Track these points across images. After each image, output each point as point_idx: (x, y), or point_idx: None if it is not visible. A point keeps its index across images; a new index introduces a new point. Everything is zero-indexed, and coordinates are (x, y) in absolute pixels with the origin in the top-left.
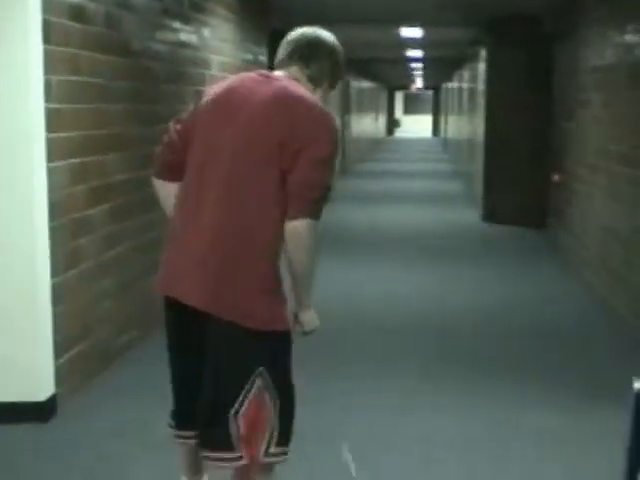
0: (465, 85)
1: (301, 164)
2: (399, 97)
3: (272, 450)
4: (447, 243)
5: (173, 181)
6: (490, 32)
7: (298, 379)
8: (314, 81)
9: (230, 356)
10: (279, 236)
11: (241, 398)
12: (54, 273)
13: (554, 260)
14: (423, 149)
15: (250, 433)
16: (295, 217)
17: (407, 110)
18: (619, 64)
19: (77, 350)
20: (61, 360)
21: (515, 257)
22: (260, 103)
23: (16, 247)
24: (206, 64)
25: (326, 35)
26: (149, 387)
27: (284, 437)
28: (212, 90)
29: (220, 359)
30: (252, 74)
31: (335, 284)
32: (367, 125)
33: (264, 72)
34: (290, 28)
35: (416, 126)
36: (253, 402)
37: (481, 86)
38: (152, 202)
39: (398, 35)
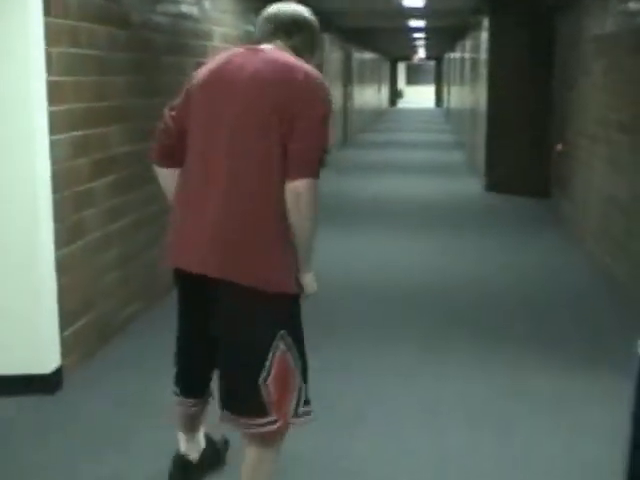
0: (467, 55)
1: (298, 127)
2: (401, 68)
3: (301, 409)
4: (450, 213)
5: (173, 167)
6: (492, 0)
7: None
8: (298, 52)
9: (251, 323)
10: (284, 200)
11: (268, 363)
12: (57, 246)
13: (557, 229)
14: (426, 119)
15: (281, 396)
16: (295, 177)
17: (410, 81)
18: (620, 32)
19: (82, 323)
20: (66, 333)
21: (518, 227)
22: (251, 75)
23: (19, 220)
24: (208, 36)
25: (303, 10)
26: (153, 359)
27: (307, 396)
28: (201, 72)
29: (241, 328)
30: (239, 49)
31: (336, 254)
32: (370, 96)
33: (251, 46)
34: None
35: (419, 97)
36: (279, 365)
37: (483, 56)
38: (155, 175)
39: (400, 4)
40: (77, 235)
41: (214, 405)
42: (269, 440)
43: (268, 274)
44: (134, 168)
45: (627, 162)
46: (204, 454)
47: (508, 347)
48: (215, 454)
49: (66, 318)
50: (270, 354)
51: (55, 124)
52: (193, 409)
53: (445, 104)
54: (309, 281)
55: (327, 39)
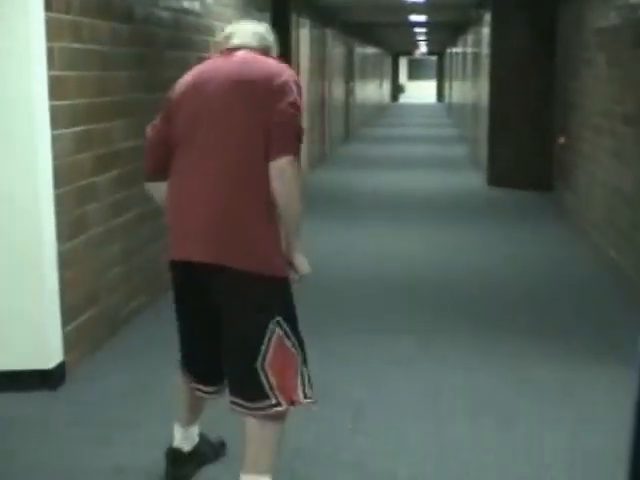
0: (469, 49)
1: (276, 111)
2: (403, 63)
3: (308, 392)
4: (452, 206)
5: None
6: None
7: None
8: (265, 54)
9: (245, 308)
10: (269, 187)
11: (263, 348)
12: (60, 241)
13: (561, 222)
14: (427, 114)
15: (281, 380)
16: (278, 156)
17: (411, 76)
18: (623, 24)
19: (85, 317)
20: (69, 328)
21: (520, 220)
22: (229, 72)
23: (21, 215)
24: (209, 31)
25: (263, 24)
26: (157, 354)
27: (310, 380)
28: (183, 81)
29: (236, 313)
30: (214, 57)
31: (337, 247)
32: (371, 91)
33: (225, 52)
34: None
35: (420, 92)
36: (277, 350)
37: (485, 50)
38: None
39: None
40: (80, 230)
41: (213, 406)
42: (271, 421)
43: (261, 258)
44: (137, 163)
45: (632, 154)
46: (197, 448)
47: (511, 339)
48: (211, 450)
49: (69, 313)
50: (266, 338)
51: (57, 119)
52: (197, 393)
53: (447, 99)
54: (301, 262)
55: (330, 34)
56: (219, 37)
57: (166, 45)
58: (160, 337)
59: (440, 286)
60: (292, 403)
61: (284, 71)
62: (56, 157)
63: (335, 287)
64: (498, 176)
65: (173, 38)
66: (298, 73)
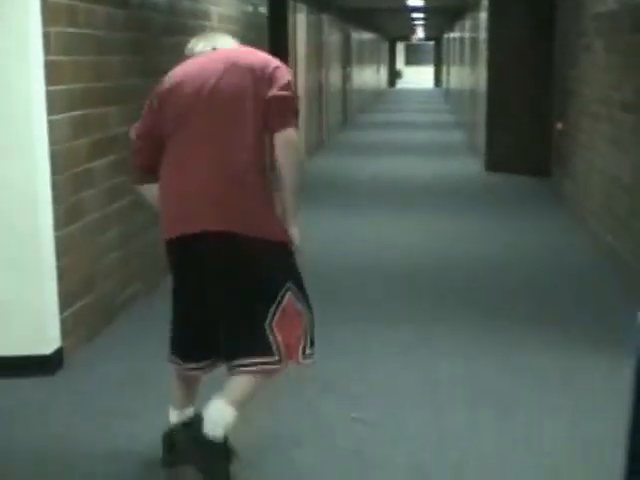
0: (467, 35)
1: (275, 86)
2: (400, 48)
3: (307, 351)
4: (450, 193)
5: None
6: None
7: None
8: None
9: (257, 272)
10: (264, 155)
11: (273, 309)
12: (57, 226)
13: (558, 208)
14: (425, 100)
15: (287, 339)
16: (282, 128)
17: (409, 61)
18: (621, 9)
19: (82, 303)
20: (66, 313)
21: (518, 206)
22: (215, 66)
23: (18, 202)
24: (206, 15)
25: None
26: (154, 340)
27: (313, 340)
28: (168, 80)
29: (247, 279)
30: (196, 57)
31: (336, 234)
32: (369, 77)
33: (209, 51)
34: None
35: (418, 77)
36: (286, 310)
37: (483, 35)
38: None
39: None
40: (76, 216)
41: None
42: (266, 377)
43: (267, 224)
44: None
45: (630, 142)
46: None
47: (509, 326)
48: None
49: (66, 299)
50: (277, 300)
51: (54, 104)
52: (191, 373)
53: (444, 84)
54: (297, 234)
55: (326, 20)
56: (196, 47)
57: (162, 30)
58: (157, 323)
59: (439, 274)
60: (294, 362)
61: (276, 60)
62: (53, 142)
63: (333, 275)
64: (496, 162)
65: (169, 23)
66: (295, 59)
